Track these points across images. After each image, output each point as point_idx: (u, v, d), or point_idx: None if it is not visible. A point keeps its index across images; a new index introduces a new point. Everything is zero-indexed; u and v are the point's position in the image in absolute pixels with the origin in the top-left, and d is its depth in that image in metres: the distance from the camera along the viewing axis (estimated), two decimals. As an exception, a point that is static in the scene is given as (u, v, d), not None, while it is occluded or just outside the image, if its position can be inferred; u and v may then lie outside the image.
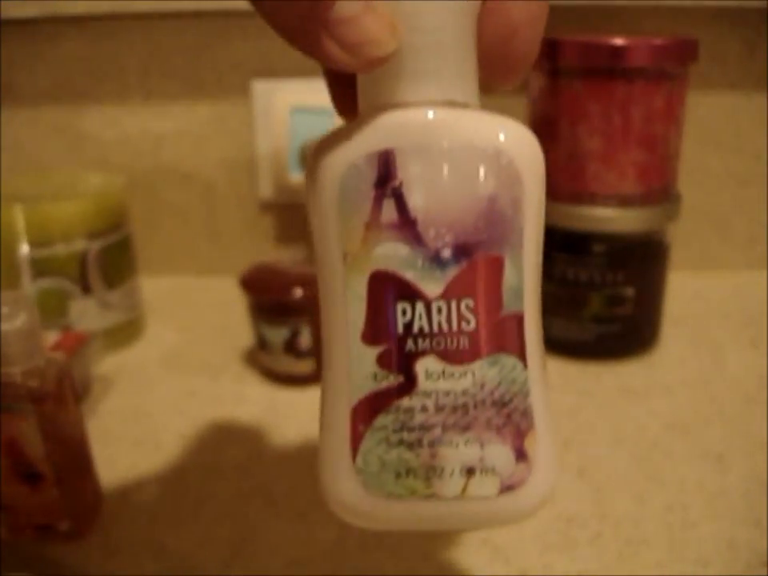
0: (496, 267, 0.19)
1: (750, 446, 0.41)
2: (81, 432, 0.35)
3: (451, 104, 0.20)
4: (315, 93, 0.59)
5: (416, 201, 0.19)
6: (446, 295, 0.19)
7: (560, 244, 0.49)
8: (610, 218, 0.47)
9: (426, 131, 0.19)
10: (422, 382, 0.20)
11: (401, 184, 0.19)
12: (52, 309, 0.50)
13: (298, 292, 0.45)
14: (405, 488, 0.20)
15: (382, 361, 0.20)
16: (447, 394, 0.20)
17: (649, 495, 0.37)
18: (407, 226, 0.19)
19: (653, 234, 0.49)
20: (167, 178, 0.65)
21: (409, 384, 0.20)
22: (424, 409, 0.20)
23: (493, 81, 0.21)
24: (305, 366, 0.47)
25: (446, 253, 0.19)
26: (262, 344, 0.48)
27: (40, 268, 0.50)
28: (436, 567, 0.32)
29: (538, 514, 0.35)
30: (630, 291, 0.49)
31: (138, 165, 0.64)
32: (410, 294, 0.19)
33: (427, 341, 0.19)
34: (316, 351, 0.47)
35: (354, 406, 0.20)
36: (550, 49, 0.46)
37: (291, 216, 0.65)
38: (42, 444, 0.32)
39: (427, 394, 0.20)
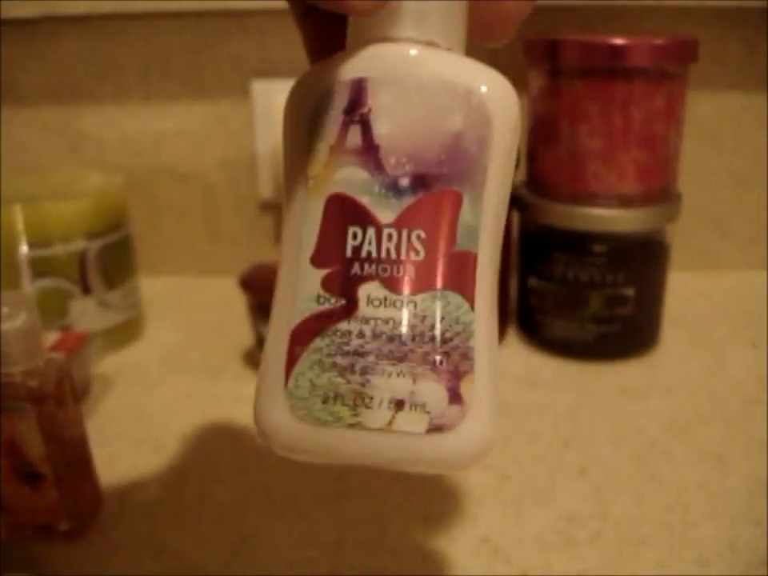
0: (453, 202, 0.19)
1: (750, 446, 0.41)
2: (81, 432, 0.35)
3: (432, 45, 0.20)
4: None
5: (381, 128, 0.19)
6: (398, 223, 0.19)
7: (560, 244, 0.49)
8: (610, 217, 0.47)
9: (402, 64, 0.20)
10: (363, 308, 0.19)
11: (369, 111, 0.20)
12: (52, 309, 0.50)
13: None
14: (331, 414, 0.19)
15: (326, 283, 0.19)
16: (386, 322, 0.19)
17: (649, 495, 0.37)
18: (369, 151, 0.19)
19: (653, 234, 0.49)
20: (167, 177, 0.65)
21: (349, 308, 0.19)
22: (361, 334, 0.19)
23: (483, 36, 0.21)
24: (305, 366, 0.47)
25: (404, 182, 0.19)
26: (262, 344, 0.48)
27: (40, 268, 0.50)
28: (436, 567, 0.32)
29: (538, 514, 0.35)
30: (630, 291, 0.49)
31: (138, 165, 0.64)
32: (363, 218, 0.19)
33: (374, 266, 0.19)
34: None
35: (294, 328, 0.20)
36: (550, 49, 0.46)
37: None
38: (42, 444, 0.32)
39: (366, 320, 0.19)
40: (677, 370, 0.49)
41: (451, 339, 0.19)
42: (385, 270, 0.19)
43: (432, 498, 0.37)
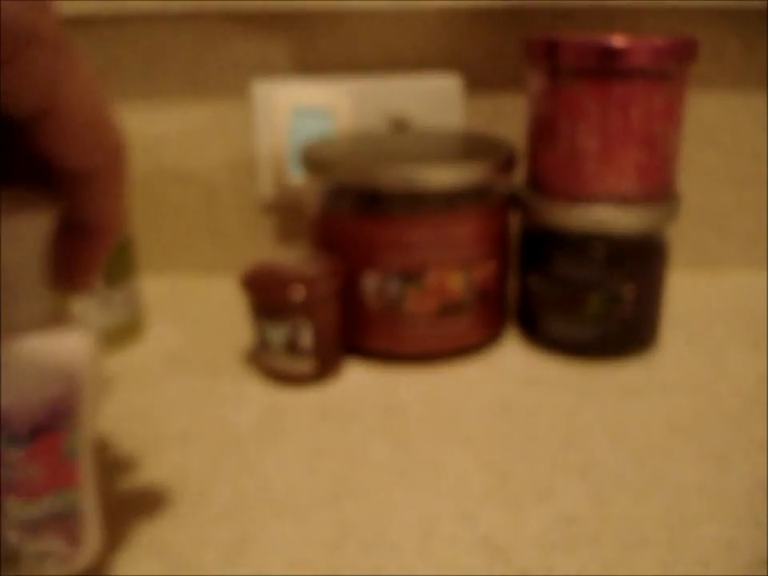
0: (57, 440, 0.28)
1: (751, 446, 0.41)
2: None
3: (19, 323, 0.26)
4: (315, 93, 0.59)
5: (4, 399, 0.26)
6: (26, 458, 0.27)
7: (560, 244, 0.49)
8: (609, 217, 0.47)
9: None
10: (9, 512, 0.28)
11: None
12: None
13: (298, 292, 0.45)
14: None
15: None
16: (26, 516, 0.28)
17: (649, 495, 0.37)
18: None
19: (652, 234, 0.49)
20: (168, 177, 0.65)
21: None
22: (10, 526, 0.28)
23: (62, 285, 0.27)
24: (305, 366, 0.47)
25: (24, 432, 0.27)
26: (262, 344, 0.48)
27: (40, 268, 0.50)
28: (436, 567, 0.32)
29: (538, 514, 0.35)
30: (630, 291, 0.49)
31: (139, 165, 0.64)
32: None
33: (11, 486, 0.27)
34: (316, 351, 0.47)
35: None
36: (550, 49, 0.46)
37: (291, 216, 0.65)
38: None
39: (11, 519, 0.28)
40: (677, 369, 0.49)
41: (68, 514, 0.29)
42: (19, 486, 0.28)
43: (432, 498, 0.37)
